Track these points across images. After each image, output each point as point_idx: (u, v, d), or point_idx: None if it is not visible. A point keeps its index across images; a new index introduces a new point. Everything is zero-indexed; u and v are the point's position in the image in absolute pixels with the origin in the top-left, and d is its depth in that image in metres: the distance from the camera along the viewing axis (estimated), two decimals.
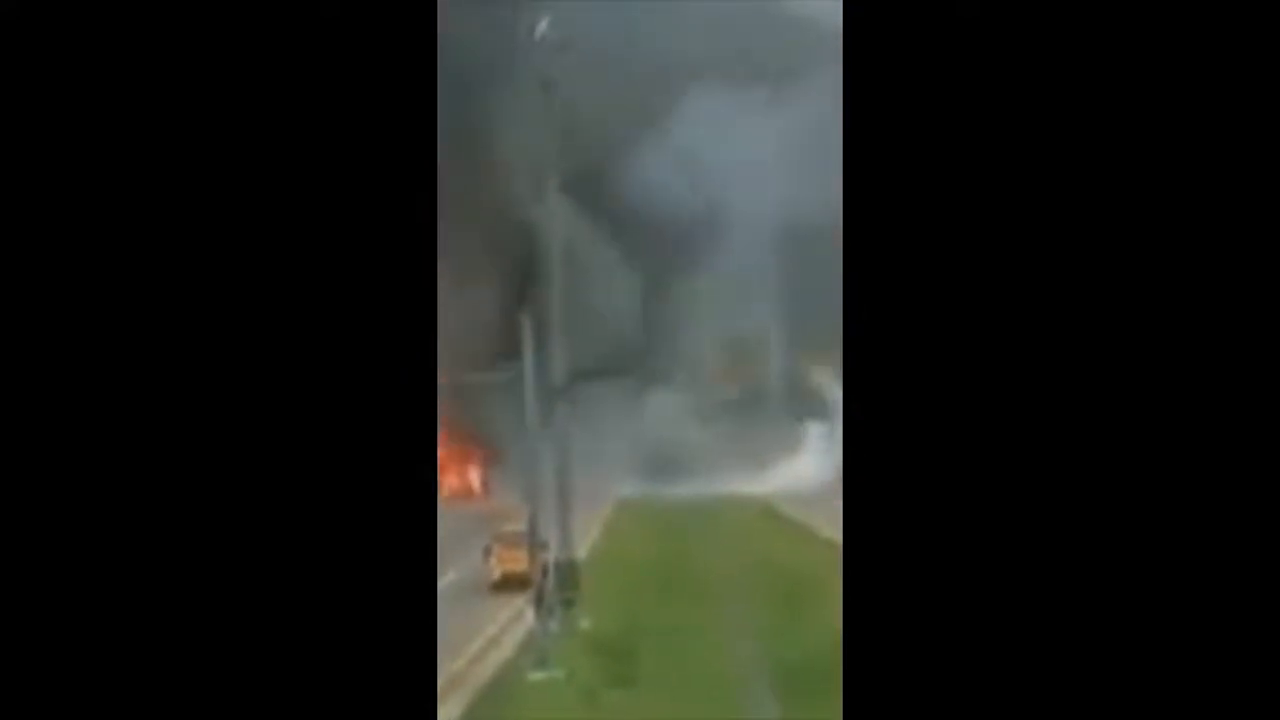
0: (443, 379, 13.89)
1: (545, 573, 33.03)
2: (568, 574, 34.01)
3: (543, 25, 36.41)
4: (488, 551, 41.42)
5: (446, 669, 26.84)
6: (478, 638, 33.14)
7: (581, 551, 39.65)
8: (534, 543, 33.72)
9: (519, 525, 36.94)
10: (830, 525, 49.60)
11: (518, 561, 36.97)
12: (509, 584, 38.64)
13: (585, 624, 33.32)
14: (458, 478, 67.73)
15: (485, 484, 69.30)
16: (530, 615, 32.36)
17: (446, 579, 37.88)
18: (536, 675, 28.60)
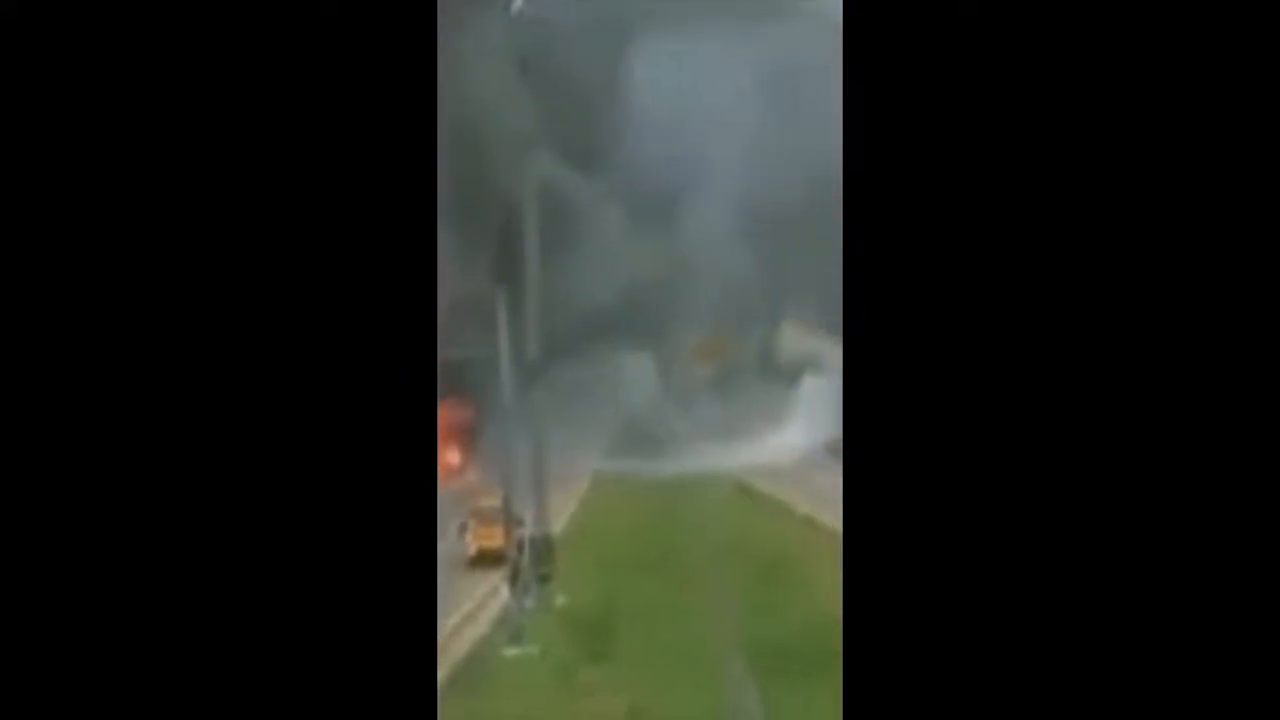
0: None
1: (521, 549, 33.00)
2: (543, 550, 33.99)
3: (519, 2, 36.32)
4: (463, 528, 41.31)
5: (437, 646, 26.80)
6: (453, 614, 33.07)
7: (557, 527, 39.59)
8: (509, 519, 33.69)
9: (494, 501, 36.90)
10: (808, 501, 49.54)
11: (493, 537, 36.90)
12: (484, 560, 38.53)
13: (561, 600, 33.28)
14: (439, 455, 67.41)
15: (465, 460, 69.16)
16: (506, 591, 32.32)
17: None
18: (512, 651, 28.59)
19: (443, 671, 27.06)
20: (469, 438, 67.46)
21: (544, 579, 33.40)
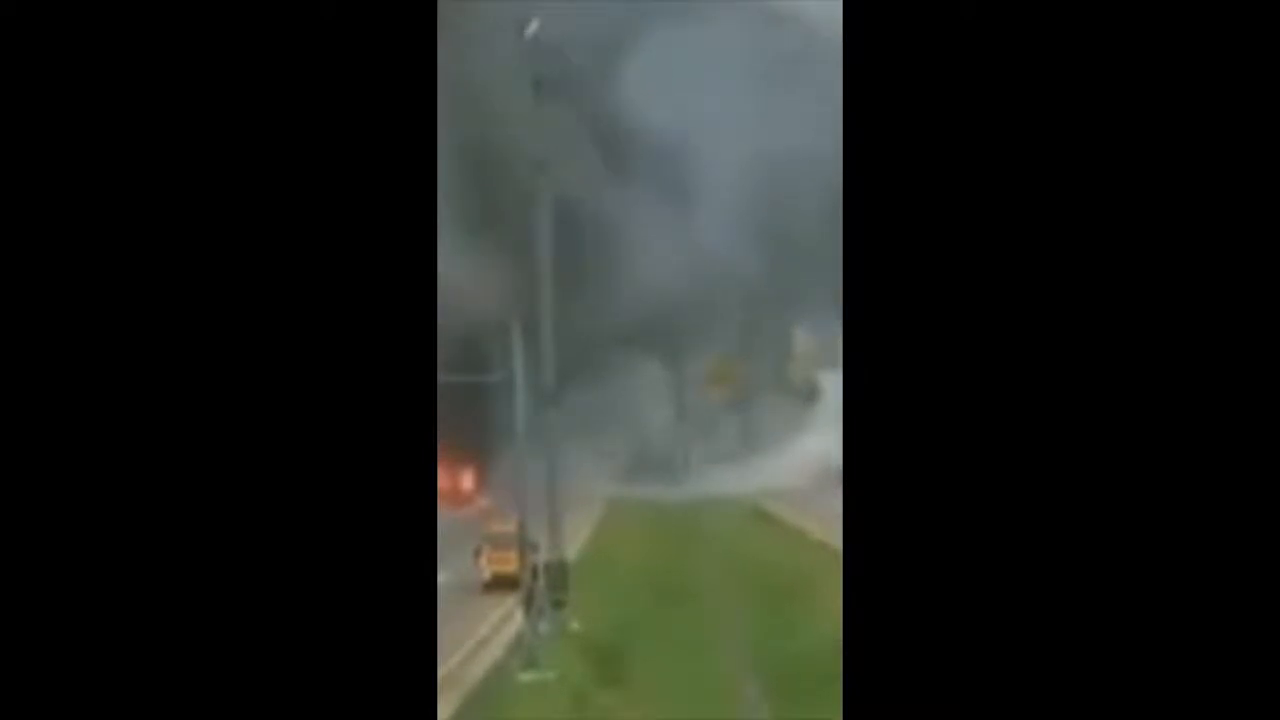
0: None
1: (535, 574, 33.03)
2: (558, 575, 34.01)
3: (534, 25, 36.39)
4: (478, 552, 41.42)
5: (438, 669, 26.82)
6: (468, 639, 33.12)
7: (571, 553, 39.62)
8: (524, 544, 33.72)
9: (509, 526, 36.96)
10: (821, 526, 49.62)
11: (508, 562, 36.96)
12: (499, 585, 38.63)
13: (575, 625, 33.30)
14: (450, 480, 67.57)
15: (478, 486, 69.26)
16: (520, 616, 32.37)
17: (438, 580, 37.84)
18: (527, 676, 28.60)
19: (458, 696, 27.09)
20: (483, 464, 67.56)
21: (558, 604, 33.43)
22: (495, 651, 31.95)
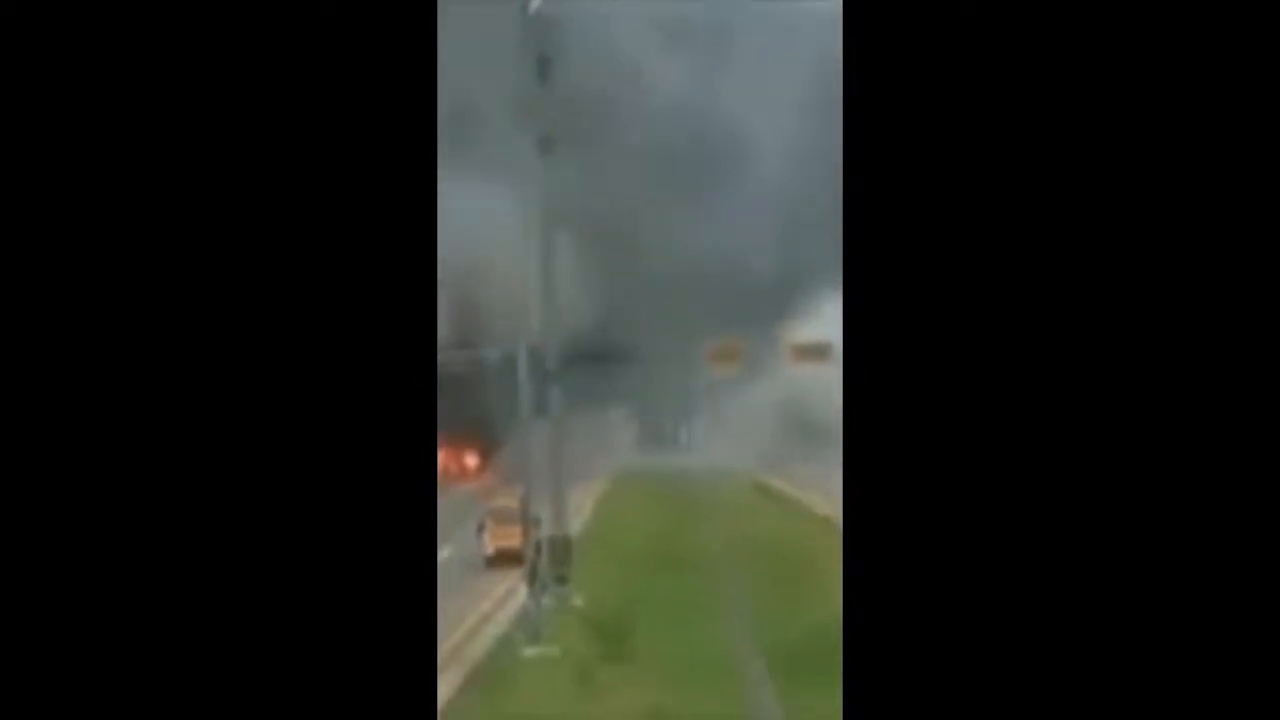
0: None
1: (538, 549, 33.10)
2: (561, 550, 34.08)
3: (537, 1, 36.33)
4: (481, 527, 41.46)
5: (441, 644, 26.92)
6: (472, 613, 33.20)
7: (575, 527, 39.68)
8: (527, 518, 33.79)
9: (512, 501, 37.02)
10: (823, 499, 49.66)
11: (511, 537, 37.03)
12: (503, 559, 38.69)
13: (579, 600, 33.37)
14: (453, 457, 67.40)
15: (481, 466, 69.11)
16: (524, 591, 32.45)
17: (442, 555, 37.92)
18: (530, 651, 28.68)
19: (462, 671, 27.19)
20: (487, 445, 67.48)
21: (561, 579, 33.51)
22: (499, 626, 32.04)
